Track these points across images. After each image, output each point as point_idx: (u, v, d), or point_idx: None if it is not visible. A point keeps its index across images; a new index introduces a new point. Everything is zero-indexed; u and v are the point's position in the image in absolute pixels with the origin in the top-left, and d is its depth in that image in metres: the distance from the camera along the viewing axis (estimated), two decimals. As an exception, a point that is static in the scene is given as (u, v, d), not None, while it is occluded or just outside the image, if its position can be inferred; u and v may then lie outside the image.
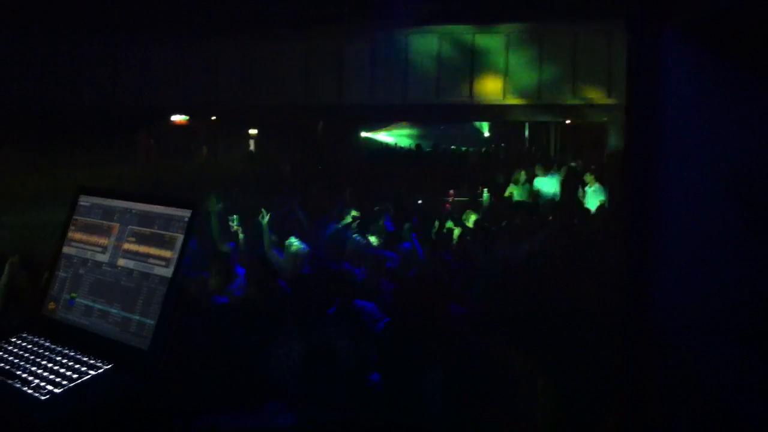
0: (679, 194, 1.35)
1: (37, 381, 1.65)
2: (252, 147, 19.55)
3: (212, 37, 11.58)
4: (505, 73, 11.91)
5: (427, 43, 12.08)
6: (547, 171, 11.45)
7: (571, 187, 10.81)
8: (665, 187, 1.35)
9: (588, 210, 9.37)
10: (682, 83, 1.33)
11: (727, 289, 1.34)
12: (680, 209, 1.34)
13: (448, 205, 11.10)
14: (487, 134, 24.27)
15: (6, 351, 1.80)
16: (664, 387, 1.37)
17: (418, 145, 17.72)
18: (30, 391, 1.61)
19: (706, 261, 1.34)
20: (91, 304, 1.88)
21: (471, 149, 21.10)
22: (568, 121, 16.67)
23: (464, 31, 11.93)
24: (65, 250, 2.00)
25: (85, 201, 2.04)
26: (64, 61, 11.46)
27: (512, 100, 12.18)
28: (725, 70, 1.33)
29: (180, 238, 1.79)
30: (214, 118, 15.89)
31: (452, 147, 20.33)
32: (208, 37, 11.58)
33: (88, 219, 2.00)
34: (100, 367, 1.70)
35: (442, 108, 12.74)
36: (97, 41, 11.40)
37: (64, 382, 1.64)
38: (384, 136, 23.56)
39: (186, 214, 1.81)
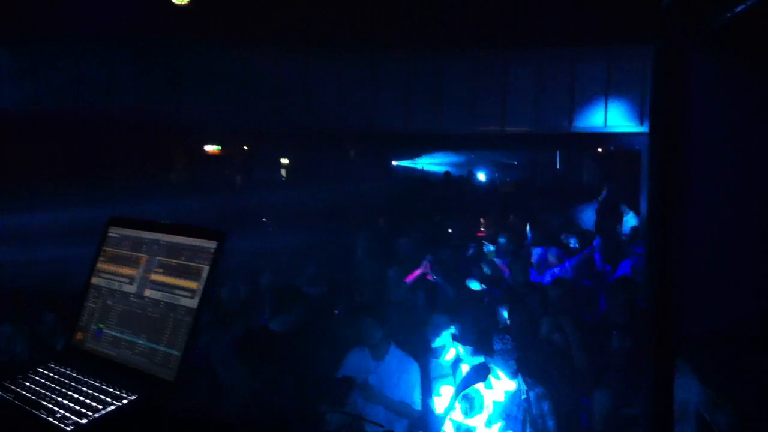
0: (706, 210, 1.33)
1: (63, 412, 1.66)
2: (284, 175, 19.72)
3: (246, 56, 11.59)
4: (535, 101, 11.84)
5: (460, 70, 12.05)
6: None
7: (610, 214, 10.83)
8: (692, 205, 1.33)
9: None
10: (709, 99, 1.31)
11: (753, 303, 1.30)
12: (707, 224, 1.32)
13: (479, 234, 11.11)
14: (515, 163, 24.12)
15: (33, 381, 1.82)
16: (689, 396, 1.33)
17: (447, 173, 17.62)
18: (56, 422, 1.62)
19: (734, 276, 1.31)
20: (118, 334, 1.89)
21: (507, 179, 21.09)
22: (599, 150, 16.54)
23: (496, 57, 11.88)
24: (94, 280, 2.02)
25: (114, 232, 2.06)
26: (92, 76, 11.54)
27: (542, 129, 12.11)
28: (753, 82, 1.32)
29: (206, 269, 1.80)
30: (246, 147, 16.04)
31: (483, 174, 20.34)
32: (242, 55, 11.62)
33: (118, 250, 2.02)
34: (126, 398, 1.70)
35: (474, 137, 12.69)
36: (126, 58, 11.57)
37: (90, 413, 1.64)
38: (415, 163, 23.54)
39: (212, 245, 1.82)
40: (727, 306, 1.30)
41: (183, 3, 9.82)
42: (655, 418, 1.34)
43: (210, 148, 14.90)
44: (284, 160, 19.53)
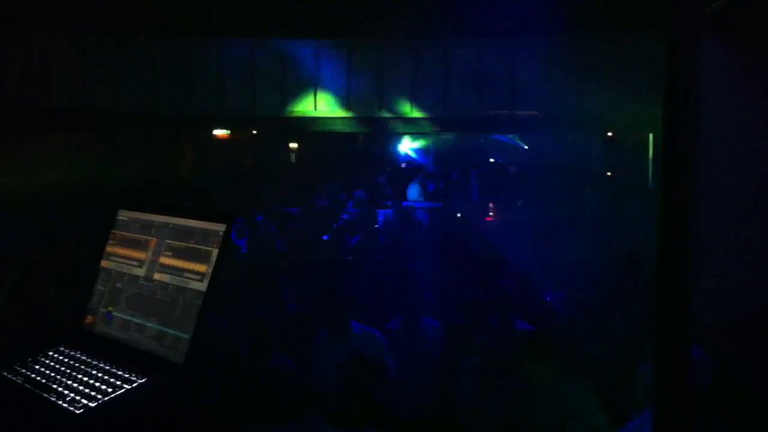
0: (722, 194, 1.30)
1: (72, 395, 1.66)
2: (293, 160, 19.74)
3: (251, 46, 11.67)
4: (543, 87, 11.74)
5: (468, 55, 11.98)
6: None
7: None
8: (704, 194, 1.30)
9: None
10: (722, 84, 1.28)
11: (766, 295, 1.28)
12: (723, 210, 1.29)
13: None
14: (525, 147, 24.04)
15: (43, 365, 1.82)
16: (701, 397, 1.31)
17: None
18: (65, 405, 1.62)
19: (747, 268, 1.28)
20: (128, 317, 1.89)
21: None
22: (609, 134, 16.42)
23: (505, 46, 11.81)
24: (103, 264, 2.02)
25: (123, 215, 2.05)
26: (104, 65, 11.54)
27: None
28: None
29: (215, 252, 1.79)
30: (255, 132, 16.04)
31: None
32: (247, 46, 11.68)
33: (127, 233, 2.02)
34: (134, 381, 1.70)
35: (480, 119, 12.63)
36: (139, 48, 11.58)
37: (99, 396, 1.64)
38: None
39: (221, 228, 1.81)
40: (744, 295, 1.27)
41: None
42: (666, 408, 1.32)
43: (219, 133, 14.91)
44: (293, 145, 19.51)
